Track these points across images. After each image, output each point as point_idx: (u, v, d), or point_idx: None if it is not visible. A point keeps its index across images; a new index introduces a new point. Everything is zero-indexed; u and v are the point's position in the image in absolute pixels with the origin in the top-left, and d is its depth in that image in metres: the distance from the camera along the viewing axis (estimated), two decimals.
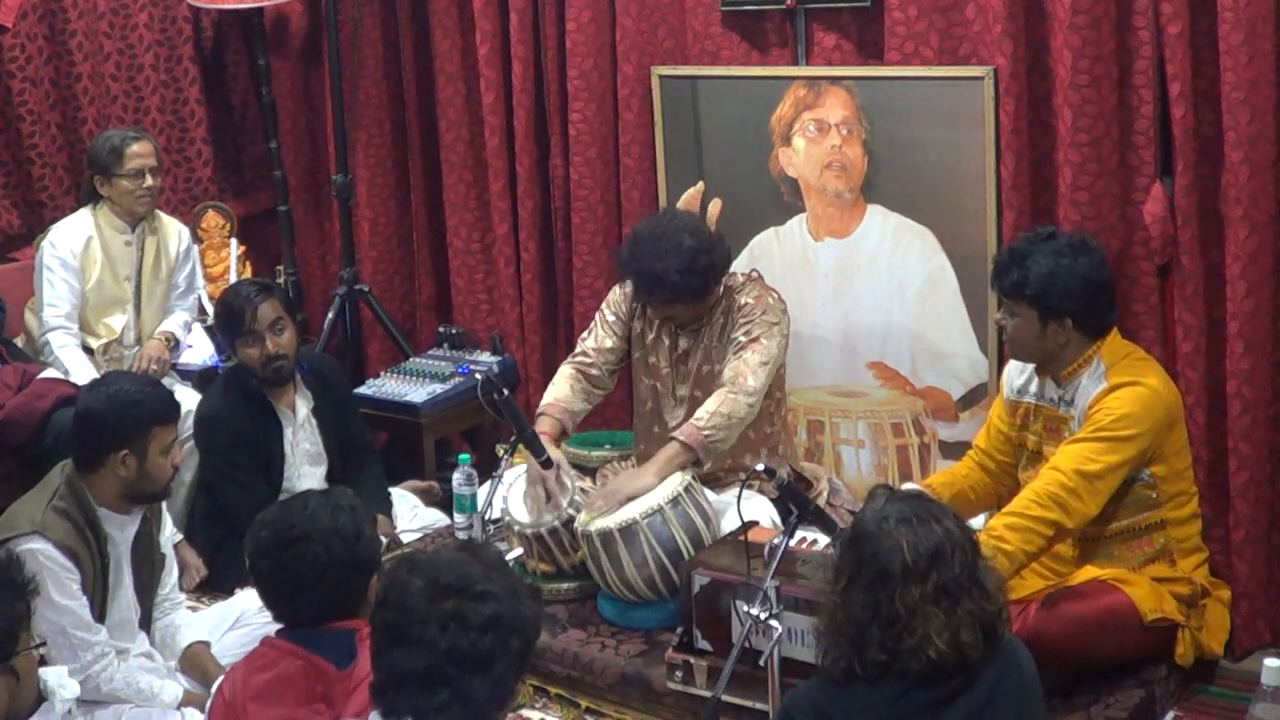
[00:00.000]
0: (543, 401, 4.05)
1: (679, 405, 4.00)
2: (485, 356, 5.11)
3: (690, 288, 3.78)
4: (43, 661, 2.92)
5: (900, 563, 2.37)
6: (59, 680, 2.79)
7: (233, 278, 5.28)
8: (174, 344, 4.79)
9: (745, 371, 3.77)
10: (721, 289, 3.94)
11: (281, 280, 5.45)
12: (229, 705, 2.74)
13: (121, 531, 3.46)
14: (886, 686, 2.38)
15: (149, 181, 4.65)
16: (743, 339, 3.83)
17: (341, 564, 2.74)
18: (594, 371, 4.07)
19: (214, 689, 2.88)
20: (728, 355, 3.86)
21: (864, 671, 2.39)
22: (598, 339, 4.10)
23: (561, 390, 4.03)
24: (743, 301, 3.89)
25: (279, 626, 2.84)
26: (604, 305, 4.15)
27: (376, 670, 2.19)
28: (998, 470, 3.66)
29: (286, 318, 4.29)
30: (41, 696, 2.76)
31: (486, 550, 2.29)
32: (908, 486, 3.66)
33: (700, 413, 3.76)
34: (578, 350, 4.13)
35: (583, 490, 3.82)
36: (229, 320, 4.26)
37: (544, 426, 3.93)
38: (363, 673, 2.60)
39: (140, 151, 4.63)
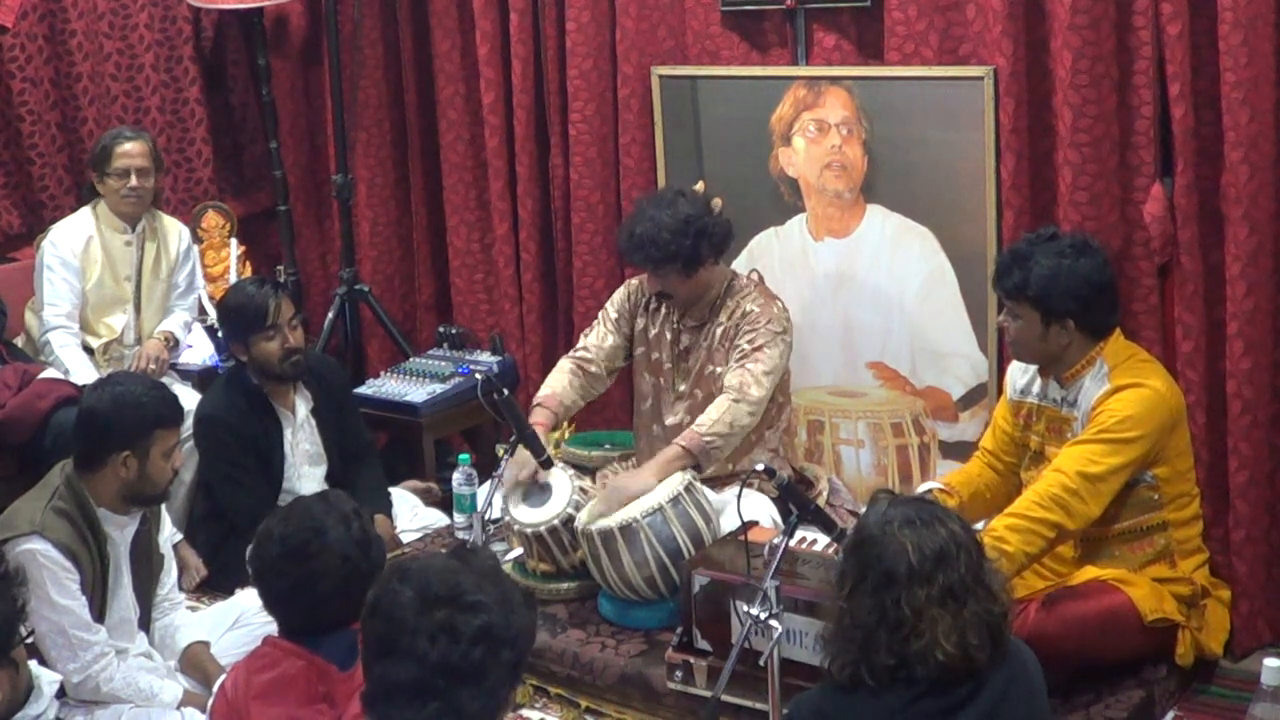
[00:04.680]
0: (538, 394, 4.07)
1: (679, 401, 4.02)
2: (485, 356, 5.11)
3: (681, 250, 3.78)
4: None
5: (906, 565, 2.36)
6: (38, 666, 2.82)
7: (233, 278, 5.28)
8: (173, 343, 4.79)
9: (749, 381, 3.78)
10: (723, 287, 3.95)
11: (282, 280, 5.44)
12: (231, 704, 2.74)
13: (121, 532, 3.46)
14: (894, 694, 2.37)
15: (133, 182, 4.62)
16: (747, 347, 3.84)
17: (360, 572, 2.72)
18: (592, 368, 4.09)
19: (216, 688, 2.87)
20: (731, 362, 3.86)
21: (872, 677, 2.38)
22: (599, 336, 4.12)
23: (558, 384, 4.05)
24: (748, 309, 3.90)
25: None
26: (608, 303, 4.18)
27: (368, 680, 2.16)
28: (1005, 471, 3.65)
29: (297, 314, 4.33)
30: (30, 684, 2.78)
31: (479, 557, 2.25)
32: (928, 485, 3.66)
33: (703, 419, 3.76)
34: (579, 346, 4.15)
35: (583, 490, 3.83)
36: (249, 316, 4.21)
37: (539, 418, 3.96)
38: None
39: (129, 151, 4.61)
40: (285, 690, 2.69)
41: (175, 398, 3.53)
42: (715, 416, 3.75)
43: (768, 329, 3.85)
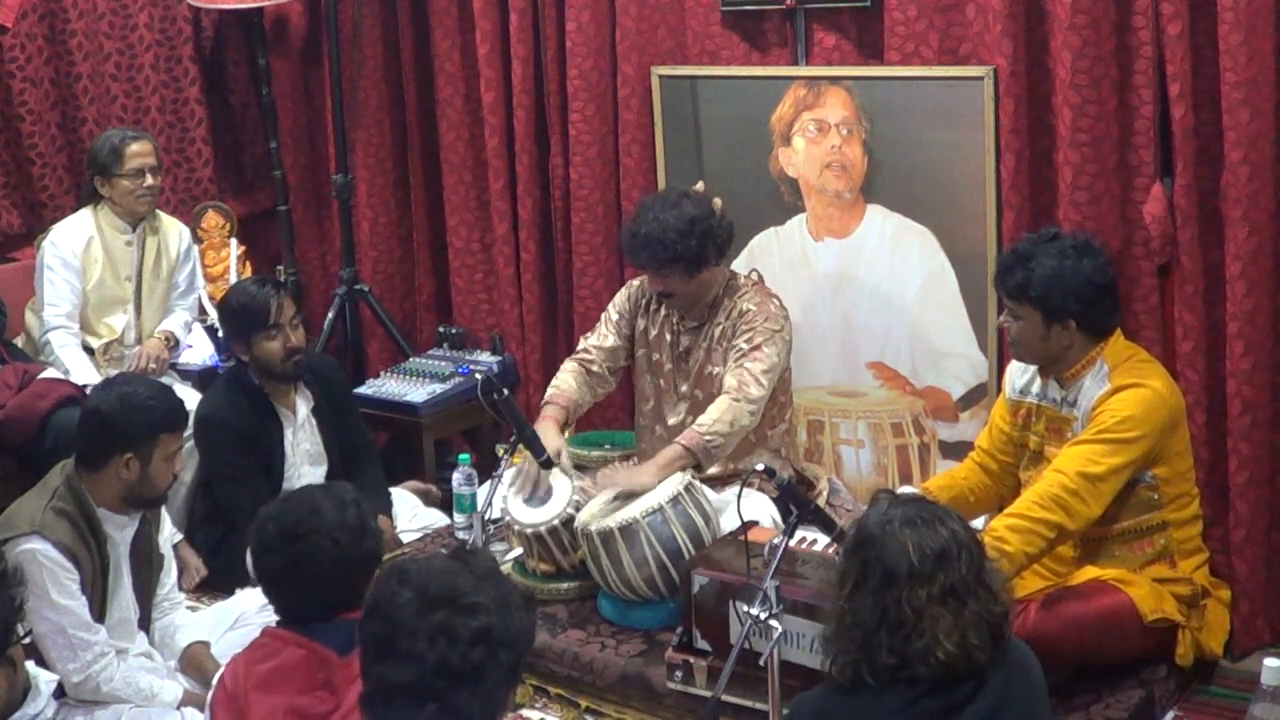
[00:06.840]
0: (548, 392, 4.08)
1: (680, 402, 4.03)
2: (485, 356, 5.11)
3: (687, 252, 3.79)
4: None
5: (907, 565, 2.36)
6: (35, 666, 2.80)
7: (233, 278, 5.28)
8: (174, 343, 4.80)
9: (749, 380, 3.78)
10: (722, 287, 3.96)
11: (282, 280, 5.44)
12: (231, 695, 2.73)
13: (121, 532, 3.46)
14: (895, 694, 2.37)
15: (149, 181, 4.66)
16: (745, 346, 3.84)
17: (350, 558, 2.73)
18: (595, 368, 4.10)
19: (215, 679, 2.86)
20: (730, 361, 3.87)
21: (873, 677, 2.37)
22: (600, 337, 4.13)
23: (566, 382, 4.07)
24: (745, 308, 3.90)
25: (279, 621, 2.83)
26: (609, 305, 4.19)
27: (366, 681, 2.16)
28: (1000, 471, 3.66)
29: (298, 314, 4.33)
30: (28, 684, 2.78)
31: (478, 559, 2.25)
32: (904, 490, 3.66)
33: (703, 418, 3.77)
34: (580, 348, 4.16)
35: (583, 490, 3.83)
36: (250, 315, 4.20)
37: (549, 414, 3.98)
38: None
39: (140, 151, 4.64)
40: (285, 679, 2.68)
41: (181, 402, 3.52)
42: (715, 416, 3.75)
43: (765, 327, 3.85)
